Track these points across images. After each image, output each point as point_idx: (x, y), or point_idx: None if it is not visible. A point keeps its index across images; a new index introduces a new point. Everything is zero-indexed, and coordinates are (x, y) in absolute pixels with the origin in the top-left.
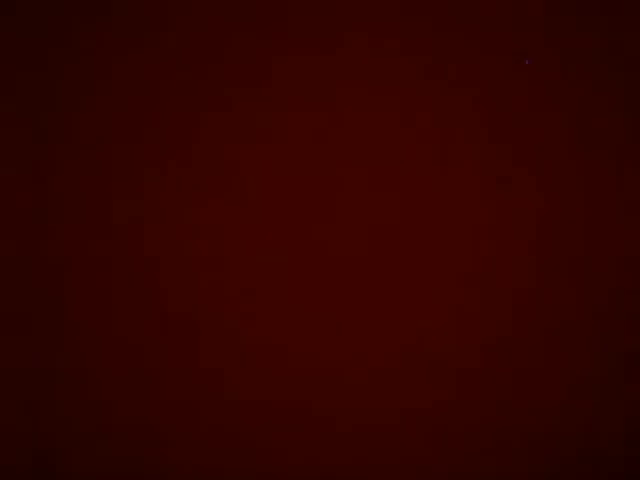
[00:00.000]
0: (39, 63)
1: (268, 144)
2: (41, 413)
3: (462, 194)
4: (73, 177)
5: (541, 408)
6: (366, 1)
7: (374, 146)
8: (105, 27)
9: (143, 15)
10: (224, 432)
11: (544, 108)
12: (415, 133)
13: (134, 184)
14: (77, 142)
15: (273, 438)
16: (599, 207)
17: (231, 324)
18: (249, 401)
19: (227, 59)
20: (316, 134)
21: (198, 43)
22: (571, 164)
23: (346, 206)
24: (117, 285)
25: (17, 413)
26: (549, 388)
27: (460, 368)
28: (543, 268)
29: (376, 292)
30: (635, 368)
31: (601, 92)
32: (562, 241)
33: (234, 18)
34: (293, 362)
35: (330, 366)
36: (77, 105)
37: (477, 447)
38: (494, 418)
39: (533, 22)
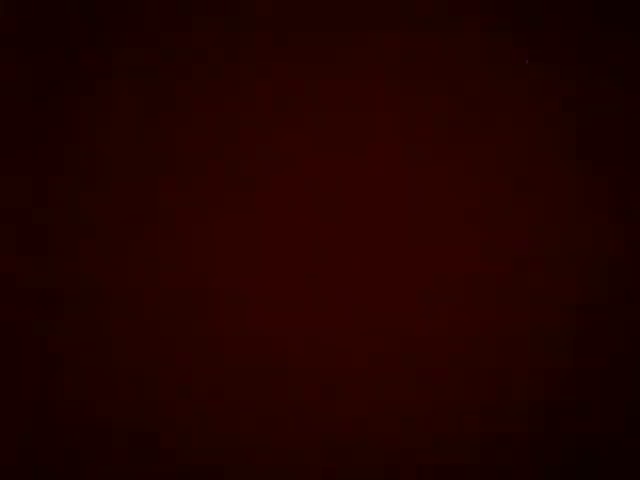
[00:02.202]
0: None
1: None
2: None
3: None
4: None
5: (542, 406)
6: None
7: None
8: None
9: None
10: (224, 436)
11: (543, 108)
12: (412, 131)
13: (136, 188)
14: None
15: (271, 440)
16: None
17: (227, 330)
18: (249, 404)
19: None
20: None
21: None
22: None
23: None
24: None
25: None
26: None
27: (460, 370)
28: (543, 267)
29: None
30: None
31: (599, 94)
32: (553, 238)
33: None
34: (291, 366)
35: (329, 373)
36: (77, 106)
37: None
38: (495, 419)
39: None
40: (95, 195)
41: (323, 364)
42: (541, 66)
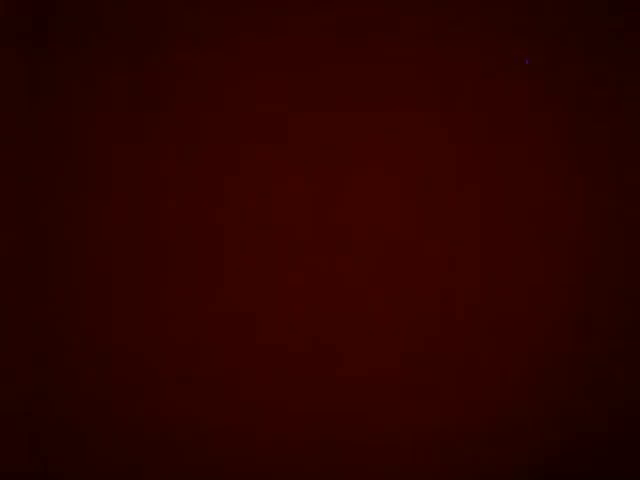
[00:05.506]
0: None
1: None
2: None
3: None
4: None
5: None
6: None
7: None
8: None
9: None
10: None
11: (543, 109)
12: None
13: (135, 183)
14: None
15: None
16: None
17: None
18: (255, 405)
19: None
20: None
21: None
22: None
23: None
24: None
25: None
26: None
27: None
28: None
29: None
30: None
31: (598, 96)
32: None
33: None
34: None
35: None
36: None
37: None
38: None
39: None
40: (94, 195)
41: (327, 370)
42: (541, 67)
